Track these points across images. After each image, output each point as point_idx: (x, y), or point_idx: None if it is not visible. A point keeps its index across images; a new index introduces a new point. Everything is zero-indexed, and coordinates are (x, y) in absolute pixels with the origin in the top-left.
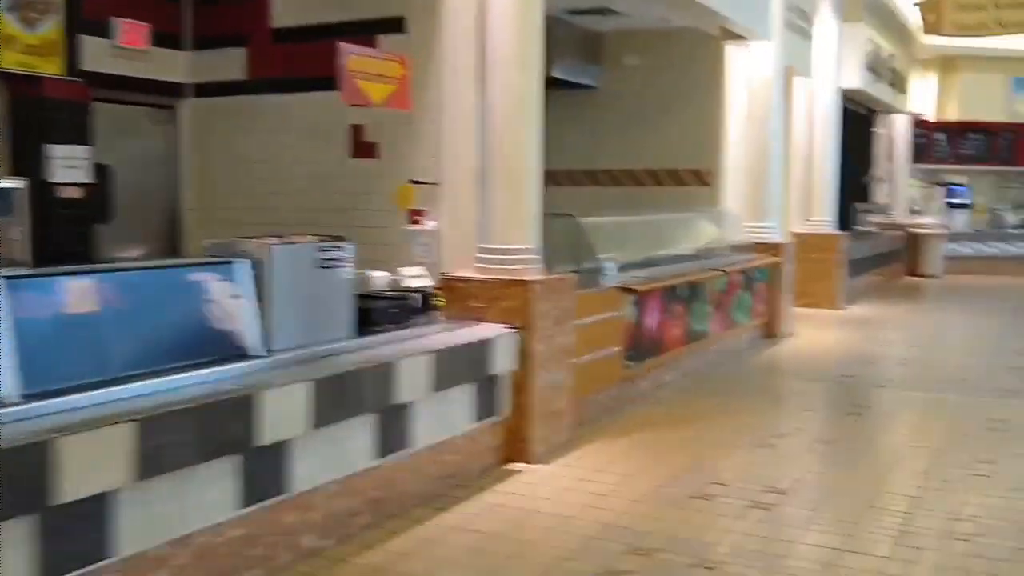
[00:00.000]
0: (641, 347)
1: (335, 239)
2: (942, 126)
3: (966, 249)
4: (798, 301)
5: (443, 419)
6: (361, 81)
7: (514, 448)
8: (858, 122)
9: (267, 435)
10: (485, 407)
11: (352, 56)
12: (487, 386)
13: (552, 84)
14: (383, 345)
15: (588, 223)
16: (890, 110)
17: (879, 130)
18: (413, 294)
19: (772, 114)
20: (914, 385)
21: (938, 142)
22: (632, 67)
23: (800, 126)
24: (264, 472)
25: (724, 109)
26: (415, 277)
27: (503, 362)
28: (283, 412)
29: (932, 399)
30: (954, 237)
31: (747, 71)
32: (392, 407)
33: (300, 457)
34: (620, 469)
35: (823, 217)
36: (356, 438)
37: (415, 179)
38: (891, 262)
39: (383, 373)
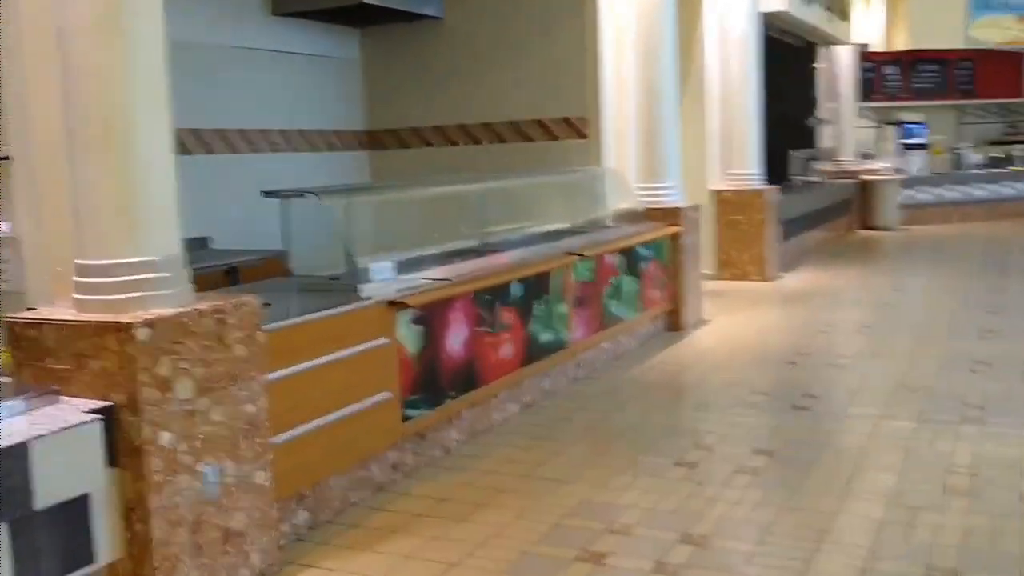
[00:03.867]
0: (435, 384)
1: None
2: (892, 57)
3: (924, 195)
4: (721, 273)
5: None
6: None
7: None
8: (795, 57)
9: None
10: (39, 561)
11: None
12: (47, 525)
13: (373, 15)
14: None
15: (359, 203)
16: (831, 41)
17: (820, 65)
18: None
19: (663, 45)
20: (865, 401)
21: (888, 76)
22: None
23: (712, 62)
24: None
25: (600, 42)
26: None
27: (74, 478)
28: None
29: (895, 430)
30: (910, 182)
31: None
32: None
33: None
34: None
35: (746, 170)
36: None
37: None
38: (840, 215)
39: None
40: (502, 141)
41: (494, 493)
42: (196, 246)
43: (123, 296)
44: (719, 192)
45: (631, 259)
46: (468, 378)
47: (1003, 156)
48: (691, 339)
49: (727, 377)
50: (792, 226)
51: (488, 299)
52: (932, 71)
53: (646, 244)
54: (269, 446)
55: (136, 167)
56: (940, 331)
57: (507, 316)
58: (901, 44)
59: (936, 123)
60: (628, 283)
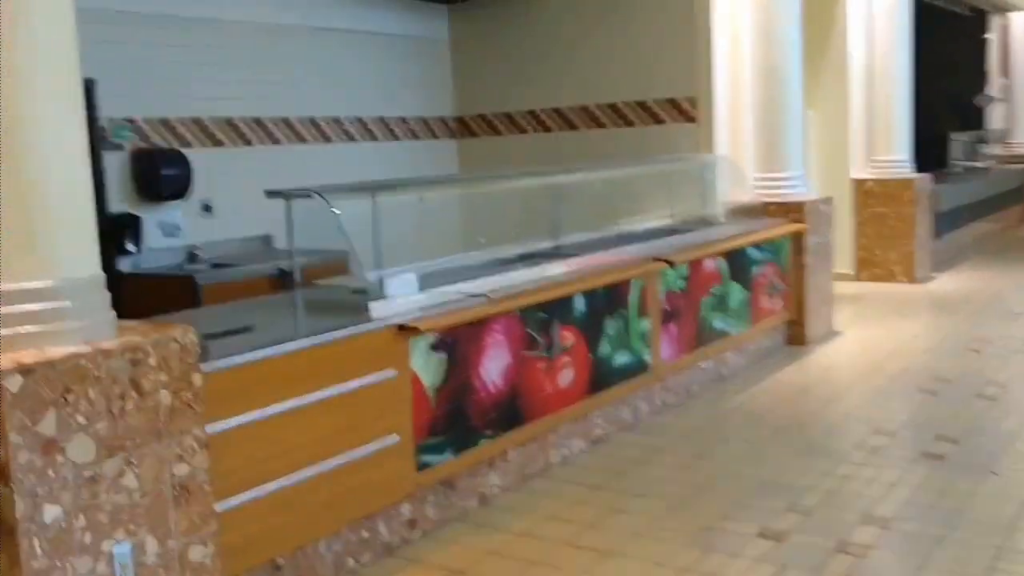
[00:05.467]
0: (464, 423)
1: None
2: None
3: None
4: (861, 274)
5: None
6: None
7: None
8: (962, 27)
9: None
10: None
11: None
12: None
13: None
14: None
15: (381, 203)
16: (1005, 7)
17: (991, 35)
18: None
19: (784, 17)
20: (1021, 451)
21: None
22: None
23: (856, 33)
24: None
25: (712, 13)
26: None
27: None
28: None
29: None
30: None
31: None
32: None
33: None
34: None
35: (895, 156)
36: None
37: None
38: (1010, 205)
39: None
40: (600, 126)
41: (522, 567)
42: (257, 245)
43: (11, 331)
44: (861, 181)
45: (740, 263)
46: (512, 413)
47: None
48: (814, 356)
49: (849, 409)
50: (950, 219)
51: (542, 317)
52: None
53: (760, 245)
54: (213, 513)
55: (31, 174)
56: None
57: (568, 336)
58: None
59: None
60: (735, 291)
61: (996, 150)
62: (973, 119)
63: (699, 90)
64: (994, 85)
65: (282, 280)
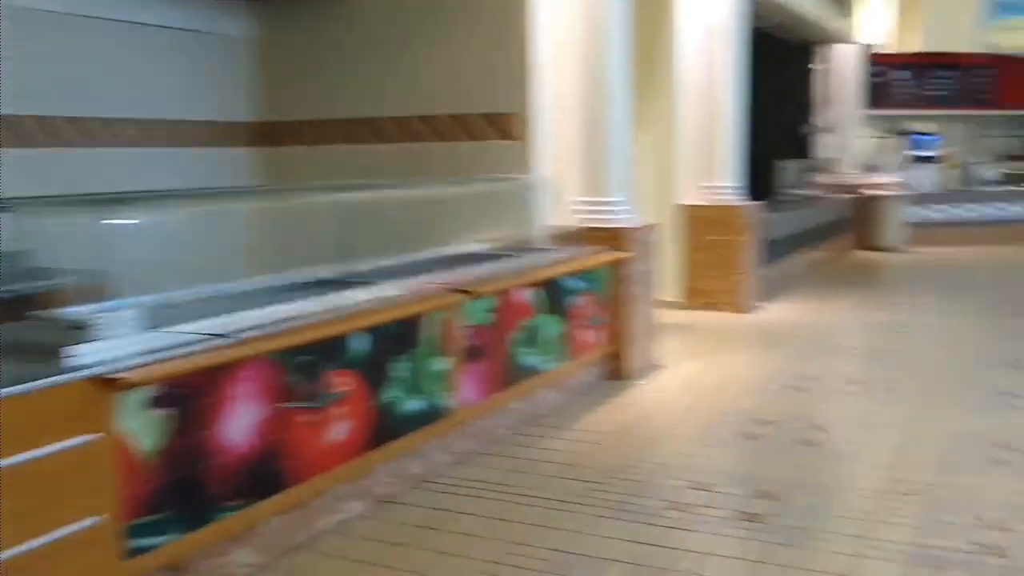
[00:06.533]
0: (195, 494)
1: None
2: (904, 61)
3: (934, 213)
4: (690, 302)
5: None
6: None
7: None
8: (791, 56)
9: None
10: None
11: None
12: None
13: None
14: None
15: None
16: (833, 39)
17: (818, 66)
18: None
19: (611, 32)
20: (843, 508)
21: (899, 81)
22: None
23: (687, 53)
24: None
25: (534, 24)
26: None
27: None
28: None
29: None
30: (920, 199)
31: None
32: None
33: None
34: None
35: (724, 182)
36: None
37: None
38: (837, 234)
39: None
40: (418, 140)
41: None
42: (9, 262)
43: None
44: (691, 208)
45: (556, 293)
46: (267, 477)
47: (1021, 173)
48: (635, 393)
49: (666, 457)
50: (779, 247)
51: (306, 360)
52: (948, 77)
53: (578, 274)
54: None
55: None
56: (947, 393)
57: (343, 382)
58: (913, 46)
59: (951, 135)
60: (550, 324)
61: (825, 179)
62: (803, 148)
63: (520, 106)
64: (821, 115)
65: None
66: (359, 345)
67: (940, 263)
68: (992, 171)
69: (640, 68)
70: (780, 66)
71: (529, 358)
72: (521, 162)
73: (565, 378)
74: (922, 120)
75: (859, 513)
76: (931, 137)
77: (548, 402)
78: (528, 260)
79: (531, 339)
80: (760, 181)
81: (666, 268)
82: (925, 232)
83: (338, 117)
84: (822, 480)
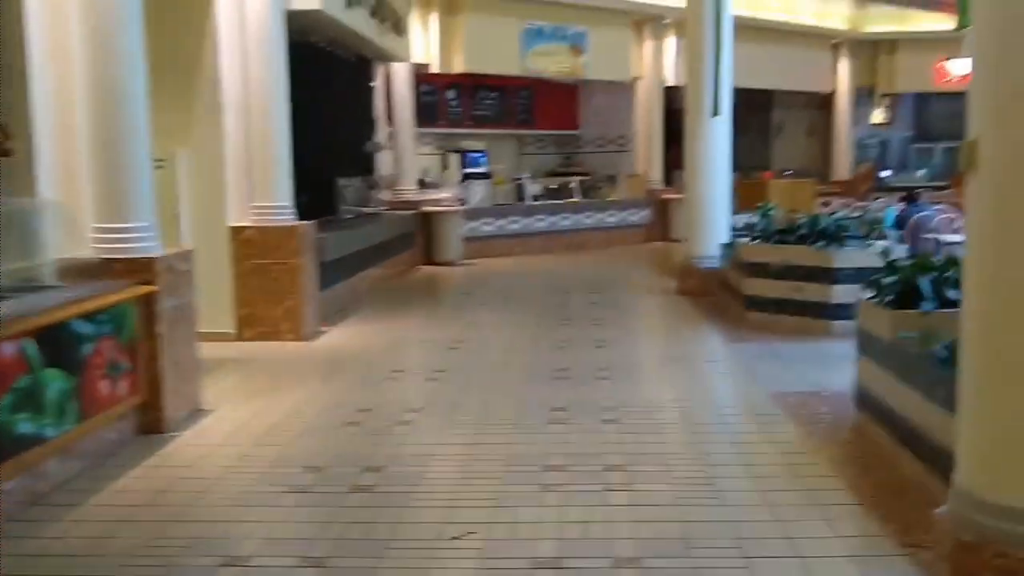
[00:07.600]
0: None
1: None
2: (452, 81)
3: (488, 227)
4: (245, 333)
5: None
6: None
7: None
8: (350, 73)
9: None
10: None
11: None
12: None
13: None
14: None
15: None
16: (387, 57)
17: (376, 84)
18: None
19: (125, 25)
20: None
21: (450, 101)
22: None
23: (230, 63)
24: None
25: (25, 16)
26: None
27: None
28: None
29: None
30: (474, 214)
31: None
32: None
33: None
34: None
35: (275, 202)
36: None
37: None
38: (401, 250)
39: None
40: None
41: None
42: None
43: None
44: (241, 229)
45: (60, 341)
46: None
47: (559, 187)
48: (175, 448)
49: (201, 530)
50: (341, 267)
51: None
52: (493, 98)
53: (91, 315)
54: None
55: None
56: (501, 415)
57: None
58: (458, 67)
59: (497, 152)
60: (53, 380)
61: (386, 195)
62: (366, 165)
63: (11, 115)
64: (381, 132)
65: None
66: None
67: (494, 274)
68: (537, 186)
69: (180, 77)
70: (340, 82)
71: (24, 425)
72: (21, 182)
73: (80, 442)
74: (472, 138)
75: (414, 573)
76: (480, 154)
77: (57, 475)
78: (25, 303)
79: (27, 401)
80: (323, 199)
81: (216, 298)
82: (480, 245)
83: None
84: (377, 533)
